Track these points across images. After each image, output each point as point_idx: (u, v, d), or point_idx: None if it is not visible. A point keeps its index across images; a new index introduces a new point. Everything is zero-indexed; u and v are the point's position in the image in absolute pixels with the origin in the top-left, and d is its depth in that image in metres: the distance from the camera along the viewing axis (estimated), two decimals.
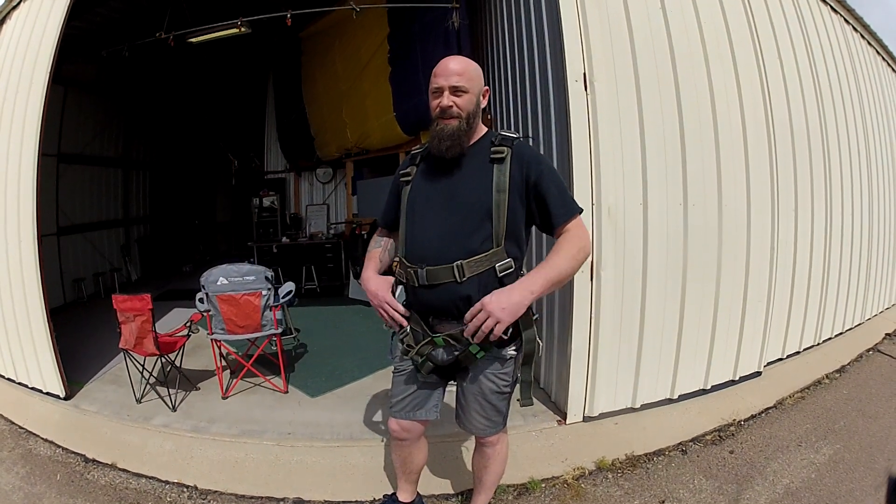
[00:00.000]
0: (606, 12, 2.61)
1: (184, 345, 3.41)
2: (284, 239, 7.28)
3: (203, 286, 3.22)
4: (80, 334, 4.68)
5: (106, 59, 5.59)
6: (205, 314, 3.29)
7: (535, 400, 2.97)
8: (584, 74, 2.56)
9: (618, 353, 2.74)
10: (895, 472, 2.35)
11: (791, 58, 3.36)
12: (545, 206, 1.51)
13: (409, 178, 1.67)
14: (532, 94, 3.14)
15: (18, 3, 3.54)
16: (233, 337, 3.33)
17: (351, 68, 6.36)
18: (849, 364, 3.64)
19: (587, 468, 2.44)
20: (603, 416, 2.78)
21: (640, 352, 2.78)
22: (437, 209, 1.56)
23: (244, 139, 9.20)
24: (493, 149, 1.54)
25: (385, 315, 1.60)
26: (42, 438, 2.90)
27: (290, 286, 3.69)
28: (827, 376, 3.41)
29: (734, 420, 2.81)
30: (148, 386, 3.31)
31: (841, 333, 4.00)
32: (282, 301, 3.43)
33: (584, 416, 2.76)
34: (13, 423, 3.12)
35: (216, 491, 2.37)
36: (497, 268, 1.49)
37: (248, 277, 3.23)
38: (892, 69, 5.08)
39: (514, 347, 1.59)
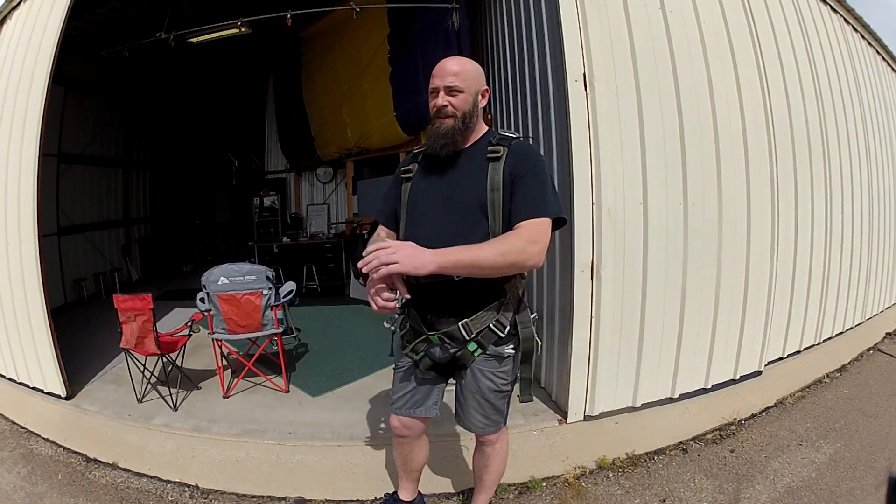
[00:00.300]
0: (606, 12, 2.62)
1: (185, 344, 3.41)
2: (285, 239, 7.29)
3: (204, 286, 3.22)
4: (80, 334, 4.69)
5: (106, 59, 5.60)
6: (206, 314, 3.29)
7: (536, 399, 2.96)
8: (584, 74, 2.57)
9: (618, 352, 2.74)
10: (895, 471, 2.35)
11: (791, 57, 3.35)
12: (514, 203, 1.46)
13: (411, 174, 1.67)
14: (532, 93, 3.14)
15: (19, 3, 3.55)
16: (234, 336, 3.33)
17: (351, 68, 6.37)
18: (849, 363, 3.64)
19: (588, 467, 2.45)
20: (604, 415, 2.78)
21: (641, 351, 2.78)
22: (435, 208, 1.56)
23: (245, 139, 9.21)
24: (489, 148, 1.54)
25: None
26: (43, 438, 2.90)
27: (290, 286, 3.69)
28: (827, 375, 3.42)
29: (735, 419, 2.81)
30: (149, 385, 3.31)
31: (841, 333, 4.00)
32: (283, 300, 3.43)
33: (584, 416, 2.77)
34: (14, 422, 3.12)
35: (217, 490, 2.38)
36: None
37: (248, 277, 3.23)
38: (893, 69, 5.08)
39: (511, 346, 1.59)
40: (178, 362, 3.30)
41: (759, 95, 2.98)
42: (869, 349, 3.92)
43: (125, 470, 2.55)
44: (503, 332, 1.54)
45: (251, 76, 8.44)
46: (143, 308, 3.03)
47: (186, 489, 2.39)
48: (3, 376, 3.61)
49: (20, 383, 3.47)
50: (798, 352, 3.59)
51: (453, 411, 1.78)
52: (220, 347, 3.43)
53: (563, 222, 1.51)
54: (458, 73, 1.52)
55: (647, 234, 2.69)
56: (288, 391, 3.37)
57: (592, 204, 2.58)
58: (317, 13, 5.62)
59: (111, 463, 2.60)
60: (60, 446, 2.81)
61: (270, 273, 3.30)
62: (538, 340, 1.61)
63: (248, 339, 3.47)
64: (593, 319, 2.66)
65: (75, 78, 6.18)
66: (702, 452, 2.57)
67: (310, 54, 7.16)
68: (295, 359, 4.05)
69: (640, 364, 2.79)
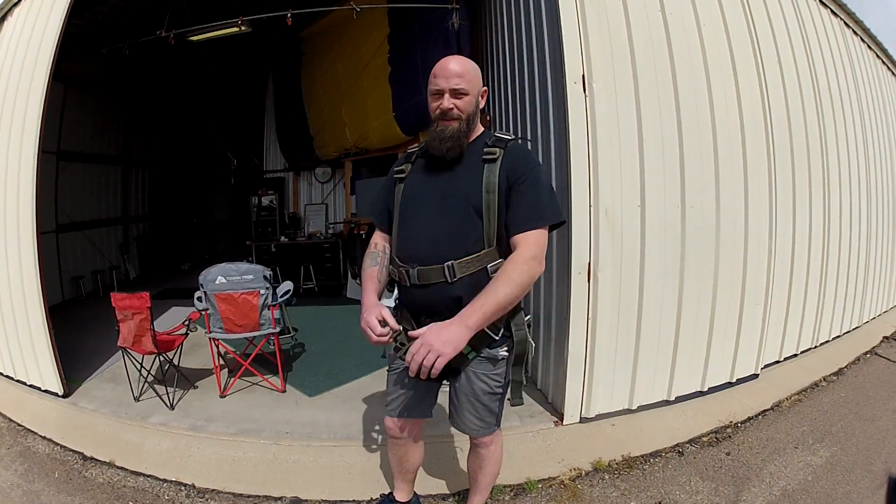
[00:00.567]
0: (606, 14, 2.62)
1: (182, 343, 3.41)
2: (283, 238, 7.29)
3: (201, 285, 3.23)
4: (78, 332, 4.68)
5: (106, 57, 5.58)
6: (203, 313, 3.29)
7: (532, 401, 2.98)
8: (583, 76, 2.57)
9: (615, 354, 2.74)
10: (895, 472, 2.35)
11: (790, 61, 3.36)
12: (513, 210, 1.47)
13: (404, 175, 1.67)
14: (531, 95, 3.14)
15: (19, 1, 3.55)
16: (231, 336, 3.33)
17: (351, 68, 6.37)
18: (846, 367, 3.64)
19: (584, 469, 2.44)
20: (600, 417, 2.78)
21: (637, 353, 2.78)
22: (429, 209, 1.55)
23: (243, 138, 9.20)
24: (485, 150, 1.53)
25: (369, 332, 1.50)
26: (40, 436, 2.90)
27: (288, 285, 3.68)
28: (824, 379, 3.42)
29: (731, 422, 2.81)
30: (146, 384, 3.31)
31: (838, 336, 4.01)
32: (280, 300, 3.43)
33: (580, 418, 2.77)
34: (11, 420, 3.12)
35: (214, 489, 2.37)
36: (489, 268, 1.49)
37: (246, 276, 3.23)
38: (893, 73, 5.09)
39: (505, 348, 1.58)
40: (176, 361, 3.30)
41: (758, 99, 2.98)
42: (866, 353, 3.92)
43: (122, 468, 2.55)
44: (497, 335, 1.53)
45: (251, 75, 8.43)
46: (140, 307, 3.03)
47: (183, 488, 2.39)
48: (1, 374, 3.61)
49: (17, 381, 3.47)
50: (795, 355, 3.60)
51: (447, 412, 1.78)
52: (218, 347, 3.43)
53: (561, 223, 1.52)
54: (462, 75, 1.51)
55: (645, 236, 2.69)
56: (285, 391, 3.37)
57: (590, 206, 2.59)
58: (317, 13, 5.61)
59: (108, 461, 2.60)
60: (57, 444, 2.80)
61: (268, 272, 3.30)
62: (532, 343, 1.61)
63: (246, 338, 3.47)
64: (590, 321, 2.66)
65: (75, 75, 6.17)
66: (698, 455, 2.57)
67: (309, 54, 7.16)
68: (292, 358, 4.05)
69: (637, 366, 2.80)
